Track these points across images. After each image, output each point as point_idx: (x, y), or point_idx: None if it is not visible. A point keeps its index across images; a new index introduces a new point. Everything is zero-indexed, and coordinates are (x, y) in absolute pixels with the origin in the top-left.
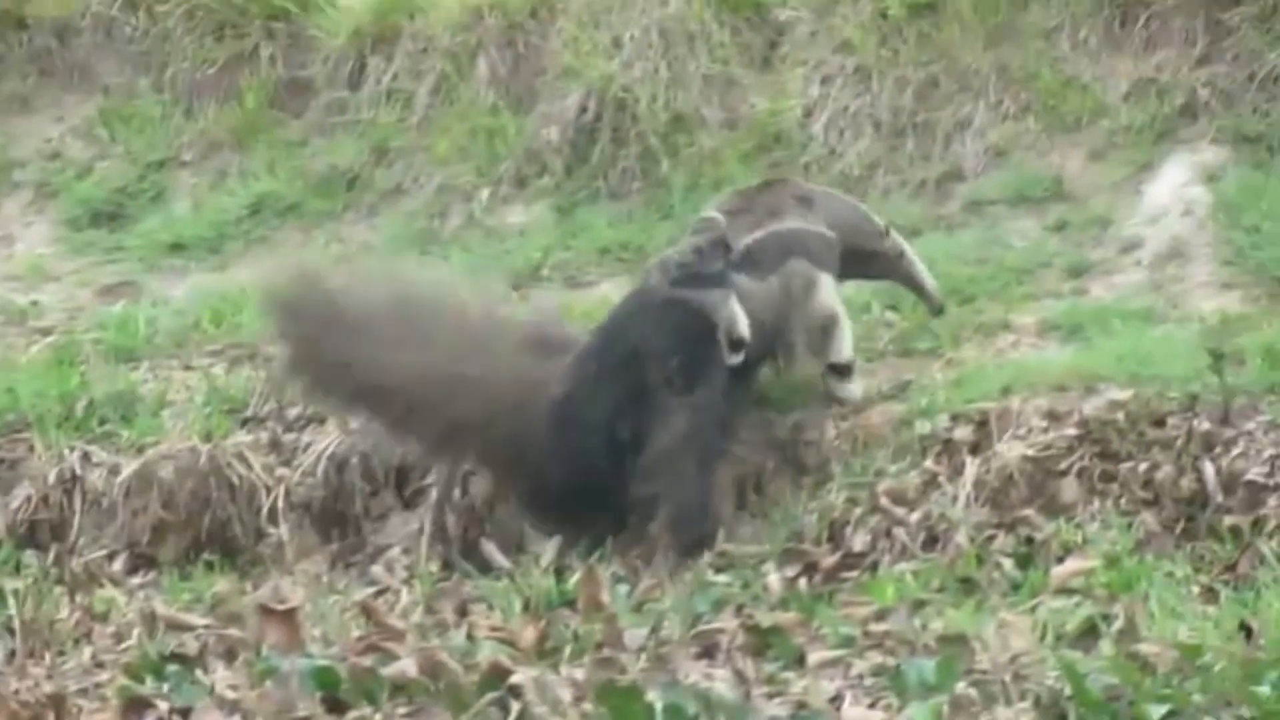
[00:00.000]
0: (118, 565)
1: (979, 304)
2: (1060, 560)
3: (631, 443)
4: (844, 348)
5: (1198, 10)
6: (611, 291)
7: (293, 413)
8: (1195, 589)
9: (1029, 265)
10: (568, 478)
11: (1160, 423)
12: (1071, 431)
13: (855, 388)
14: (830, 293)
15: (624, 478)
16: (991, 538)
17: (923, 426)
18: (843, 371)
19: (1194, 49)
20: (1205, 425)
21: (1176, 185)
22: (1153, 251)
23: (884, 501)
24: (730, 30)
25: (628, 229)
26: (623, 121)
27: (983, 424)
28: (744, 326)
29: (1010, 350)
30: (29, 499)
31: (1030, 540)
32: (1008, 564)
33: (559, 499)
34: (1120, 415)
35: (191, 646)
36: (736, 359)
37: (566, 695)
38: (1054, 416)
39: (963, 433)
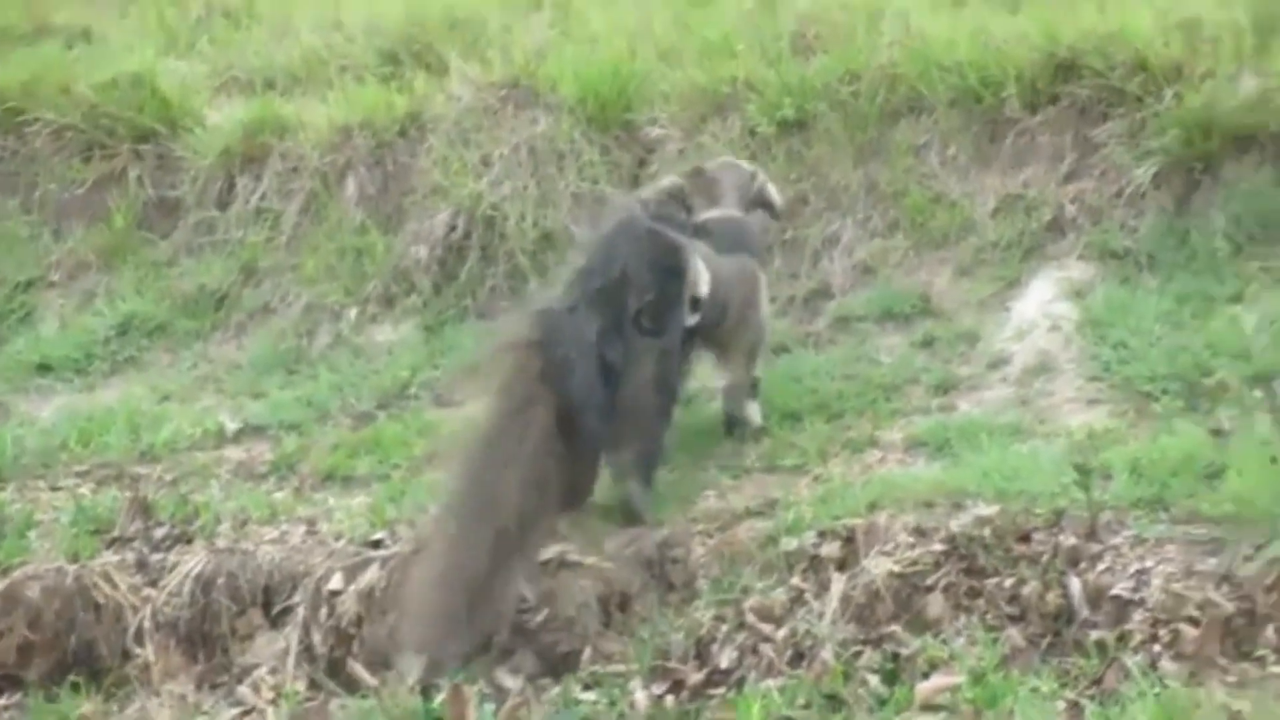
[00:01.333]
0: None
1: (846, 420)
2: (926, 676)
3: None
4: (761, 362)
5: (1065, 127)
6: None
7: (159, 533)
8: (1061, 704)
9: (897, 381)
10: (567, 393)
11: (1026, 538)
12: (938, 547)
13: (758, 411)
14: (766, 298)
15: (608, 402)
16: (858, 654)
17: (789, 543)
18: (754, 389)
19: (1061, 165)
20: (1071, 540)
21: (1044, 301)
22: (1020, 367)
23: (751, 618)
24: (599, 148)
25: None
26: (491, 240)
27: (849, 540)
28: (705, 286)
29: (878, 466)
30: None
31: (896, 656)
32: (874, 680)
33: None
34: (987, 531)
35: None
36: (694, 319)
37: None
38: (921, 532)
39: (830, 549)
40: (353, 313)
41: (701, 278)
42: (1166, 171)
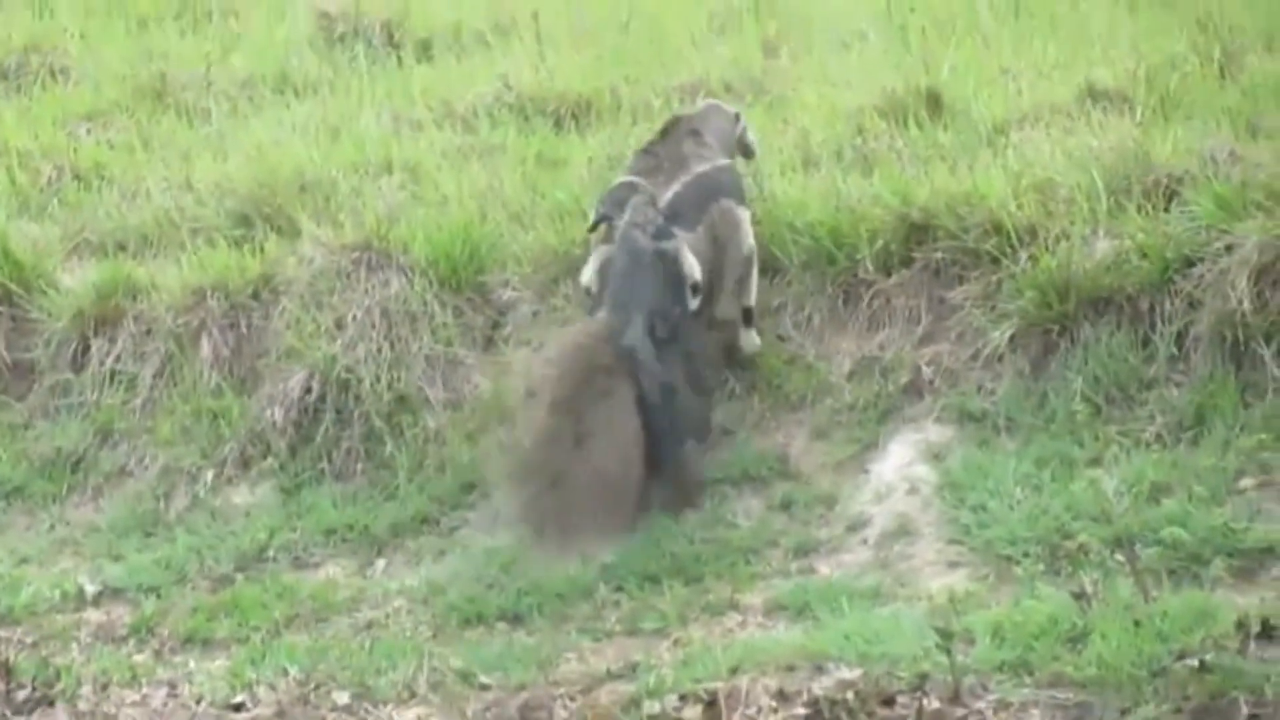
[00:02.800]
0: None
1: (706, 583)
2: None
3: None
4: (754, 290)
5: (921, 289)
6: (337, 574)
7: (20, 695)
8: None
9: (756, 544)
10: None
11: (890, 701)
12: (801, 711)
13: (755, 336)
14: (750, 231)
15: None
16: None
17: (651, 706)
18: (749, 317)
19: (918, 327)
20: (935, 704)
21: (902, 464)
22: (879, 530)
23: None
24: (452, 310)
25: (353, 510)
26: (346, 402)
27: (712, 704)
28: (697, 272)
29: (738, 629)
30: None
31: None
32: None
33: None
34: (850, 694)
35: None
36: (695, 303)
37: None
38: (783, 696)
39: (692, 713)
40: (209, 475)
41: (694, 267)
42: (1023, 333)
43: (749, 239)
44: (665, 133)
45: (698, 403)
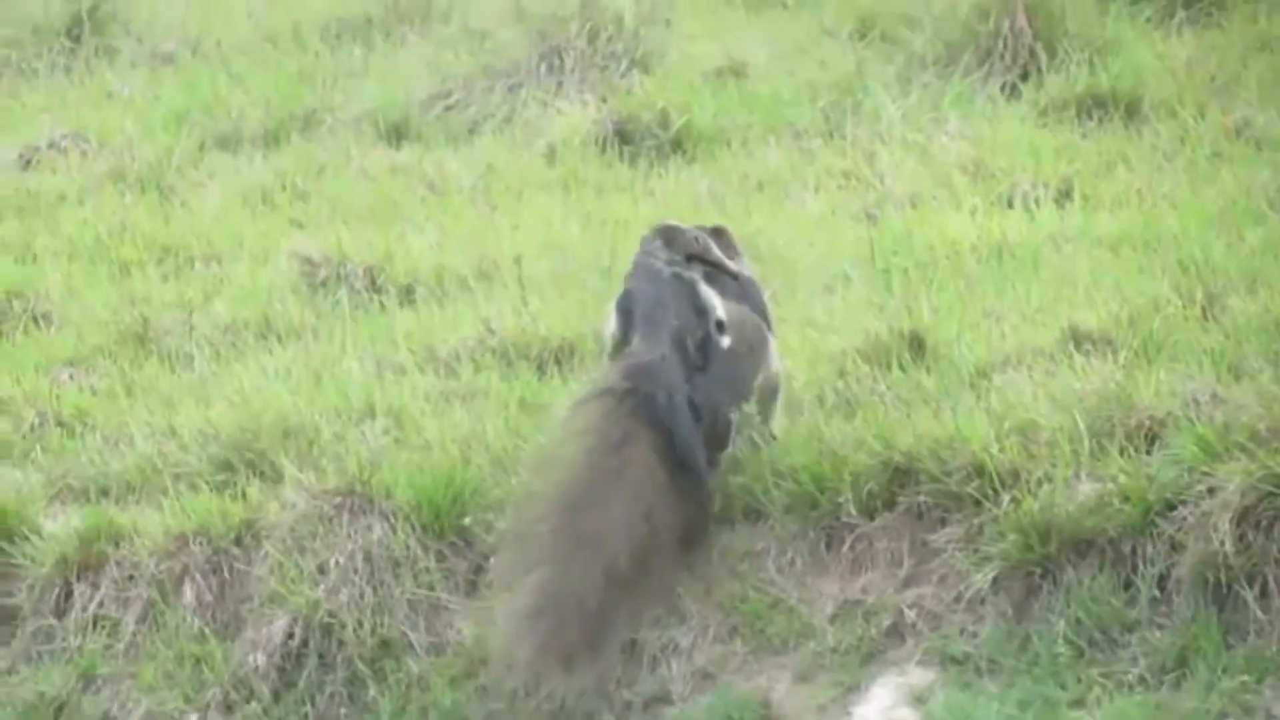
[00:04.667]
0: None
1: None
2: None
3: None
4: (776, 419)
5: (902, 532)
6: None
7: None
8: None
9: None
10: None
11: None
12: None
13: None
14: (778, 360)
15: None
16: None
17: None
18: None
19: (900, 570)
20: None
21: (885, 707)
22: None
23: None
24: (435, 555)
25: None
26: (329, 647)
27: None
28: (721, 310)
29: None
30: None
31: None
32: None
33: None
34: None
35: None
36: (726, 340)
37: None
38: None
39: None
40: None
41: (715, 302)
42: (1005, 576)
43: (777, 363)
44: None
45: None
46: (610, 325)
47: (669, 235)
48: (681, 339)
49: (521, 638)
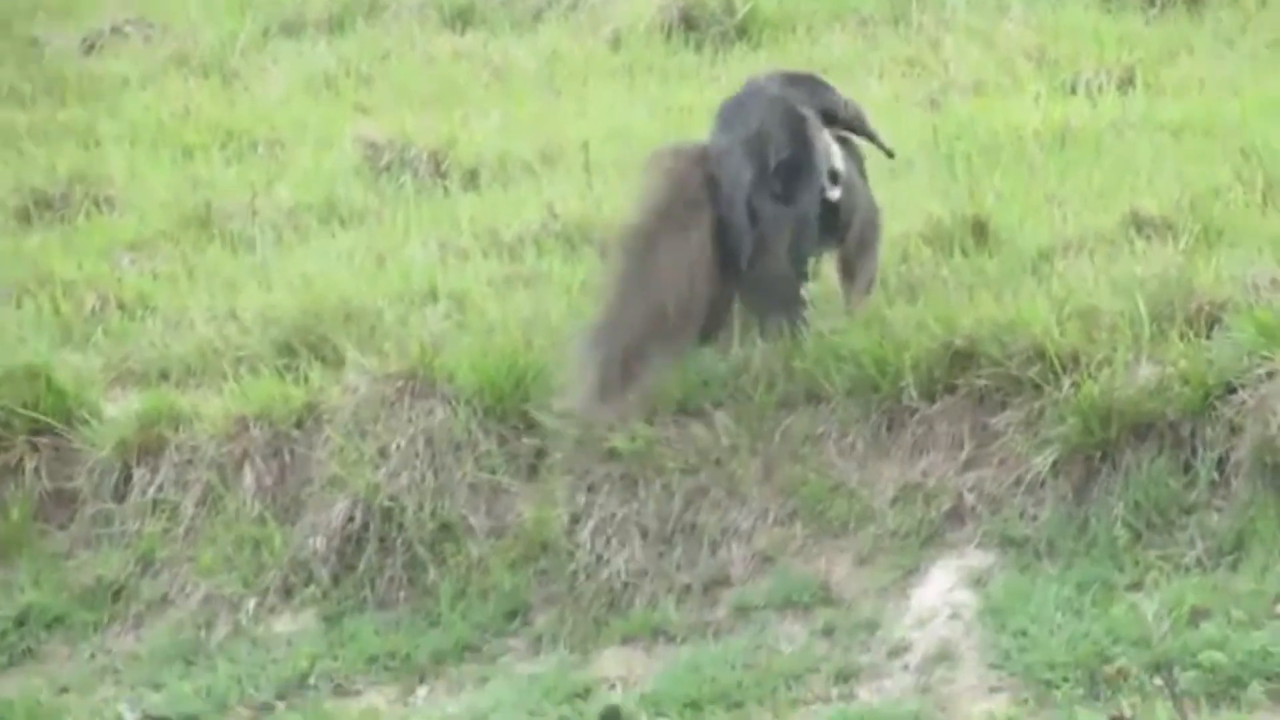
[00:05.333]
0: None
1: (747, 709)
2: None
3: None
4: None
5: (963, 415)
6: (379, 701)
7: None
8: None
9: (797, 670)
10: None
11: None
12: None
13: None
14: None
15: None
16: None
17: None
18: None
19: (960, 453)
20: None
21: (944, 590)
22: (921, 655)
23: None
24: (496, 439)
25: (395, 638)
26: (389, 531)
27: None
28: (840, 160)
29: None
30: None
31: None
32: None
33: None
34: None
35: None
36: (835, 192)
37: None
38: None
39: None
40: (251, 603)
41: (834, 152)
42: (1065, 460)
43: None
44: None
45: (790, 279)
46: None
47: (800, 79)
48: (760, 147)
49: (581, 367)
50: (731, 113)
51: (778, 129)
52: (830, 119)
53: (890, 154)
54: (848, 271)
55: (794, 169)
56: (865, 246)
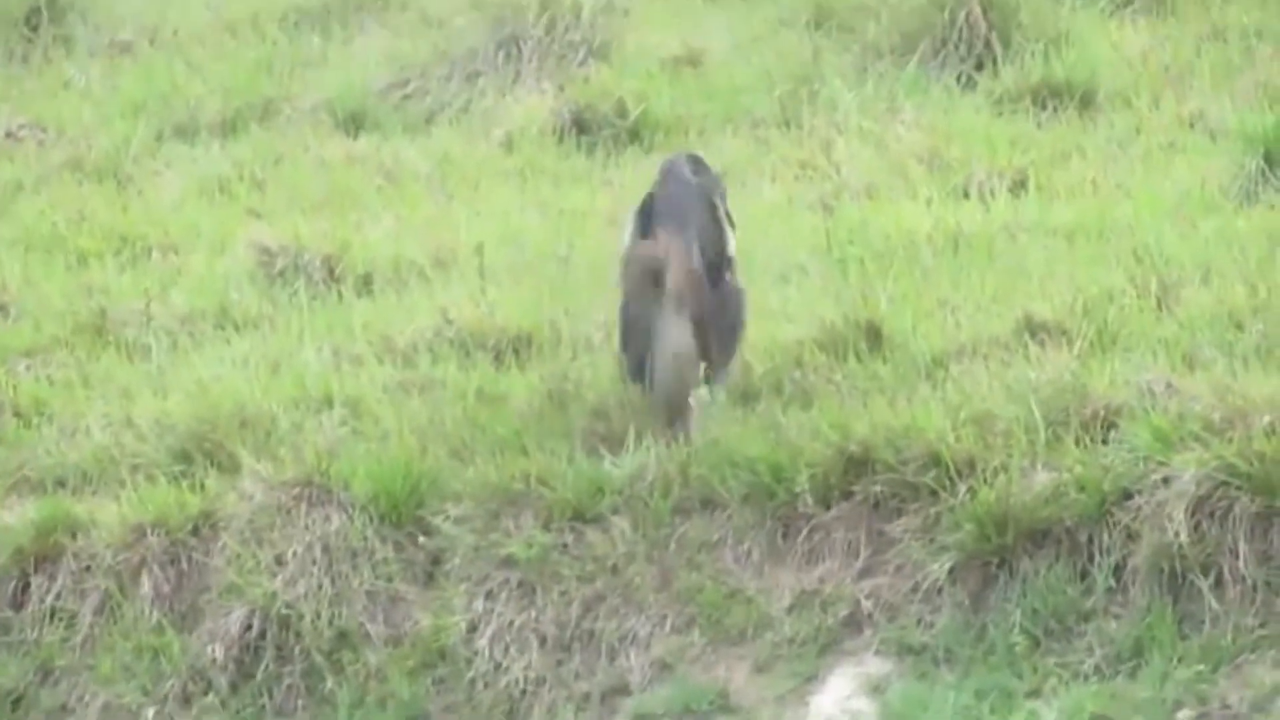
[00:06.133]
0: None
1: None
2: None
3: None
4: None
5: (859, 522)
6: None
7: None
8: None
9: None
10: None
11: None
12: None
13: None
14: None
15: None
16: None
17: None
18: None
19: (856, 560)
20: None
21: (842, 697)
22: None
23: None
24: (393, 545)
25: None
26: (287, 639)
27: None
28: (733, 249)
29: None
30: None
31: None
32: None
33: None
34: None
35: None
36: (736, 279)
37: None
38: None
39: None
40: (150, 712)
41: (731, 239)
42: (962, 566)
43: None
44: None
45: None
46: (627, 230)
47: (696, 162)
48: (703, 245)
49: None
50: (674, 212)
51: (710, 228)
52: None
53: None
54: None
55: (715, 259)
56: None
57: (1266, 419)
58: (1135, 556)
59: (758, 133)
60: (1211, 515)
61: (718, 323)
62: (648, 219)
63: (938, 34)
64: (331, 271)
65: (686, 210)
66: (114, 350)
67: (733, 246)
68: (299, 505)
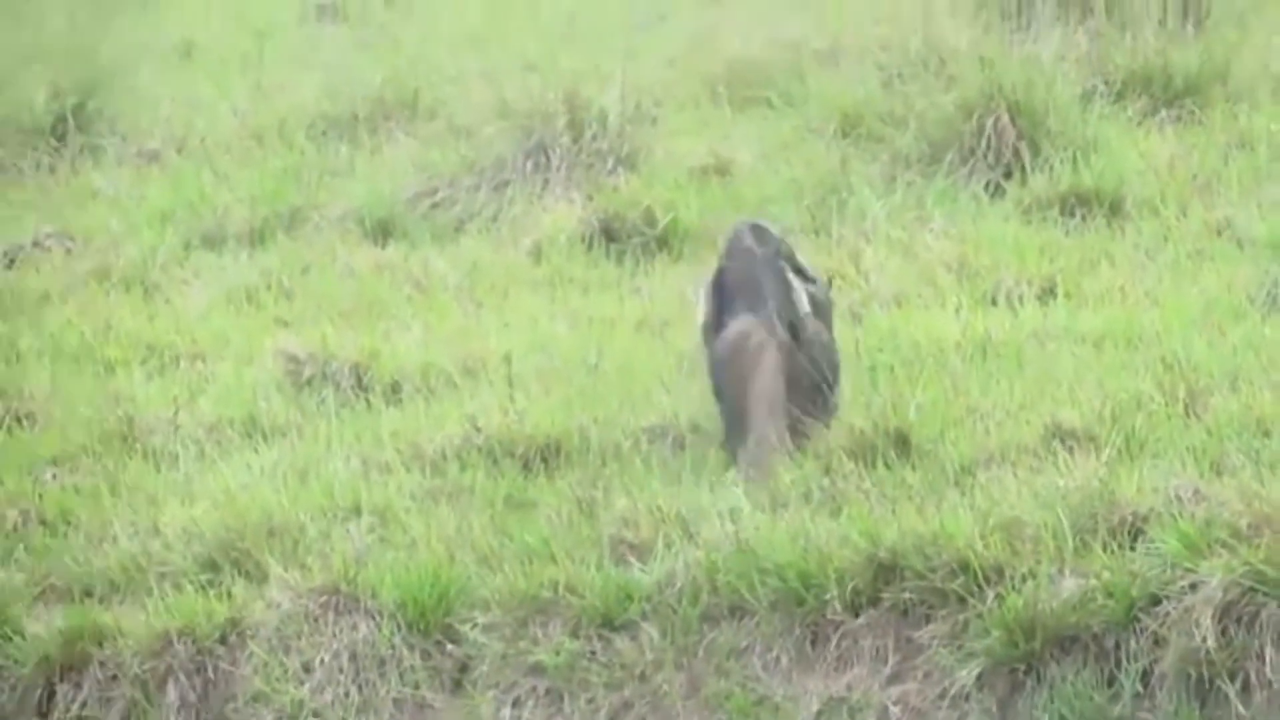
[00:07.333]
0: None
1: None
2: None
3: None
4: None
5: (887, 628)
6: None
7: None
8: None
9: None
10: None
11: None
12: None
13: None
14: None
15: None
16: None
17: None
18: None
19: (884, 667)
20: None
21: None
22: None
23: None
24: (420, 654)
25: None
26: None
27: None
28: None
29: None
30: None
31: None
32: None
33: None
34: None
35: None
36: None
37: None
38: None
39: None
40: None
41: (803, 298)
42: (990, 672)
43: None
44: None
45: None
46: (701, 308)
47: (758, 230)
48: (780, 312)
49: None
50: (747, 290)
51: (783, 298)
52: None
53: (813, 281)
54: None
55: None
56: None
57: None
58: (1163, 662)
59: (787, 241)
60: (1239, 621)
61: (808, 377)
62: (720, 293)
63: (965, 142)
64: (360, 380)
65: (760, 282)
66: (141, 459)
67: (806, 303)
68: (326, 613)
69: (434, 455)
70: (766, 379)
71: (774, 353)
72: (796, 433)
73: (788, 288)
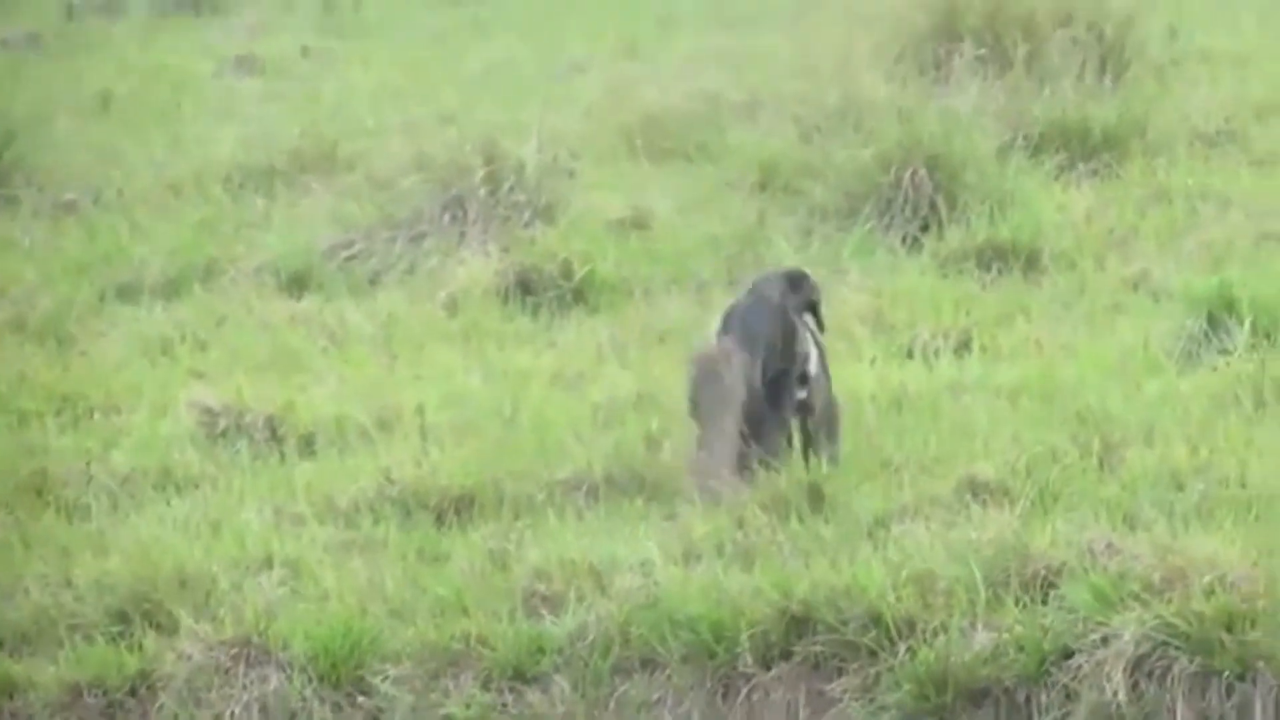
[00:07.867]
0: None
1: None
2: None
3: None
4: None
5: (799, 682)
6: None
7: None
8: None
9: None
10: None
11: None
12: None
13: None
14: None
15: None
16: None
17: None
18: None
19: None
20: None
21: None
22: None
23: None
24: (331, 706)
25: None
26: None
27: None
28: (814, 365)
29: None
30: None
31: None
32: None
33: None
34: None
35: None
36: (803, 393)
37: None
38: None
39: None
40: None
41: (812, 354)
42: None
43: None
44: None
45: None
46: (715, 327)
47: (795, 279)
48: (767, 363)
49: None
50: (748, 325)
51: (779, 348)
52: (812, 309)
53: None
54: (814, 447)
55: (783, 379)
56: (829, 427)
57: (1206, 579)
58: (1074, 716)
59: (702, 294)
60: (1150, 675)
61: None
62: (725, 326)
63: (883, 195)
64: (274, 432)
65: (758, 326)
66: (54, 510)
67: (814, 362)
68: (237, 665)
69: (347, 507)
70: (722, 401)
71: (734, 377)
72: (745, 466)
73: (791, 342)
